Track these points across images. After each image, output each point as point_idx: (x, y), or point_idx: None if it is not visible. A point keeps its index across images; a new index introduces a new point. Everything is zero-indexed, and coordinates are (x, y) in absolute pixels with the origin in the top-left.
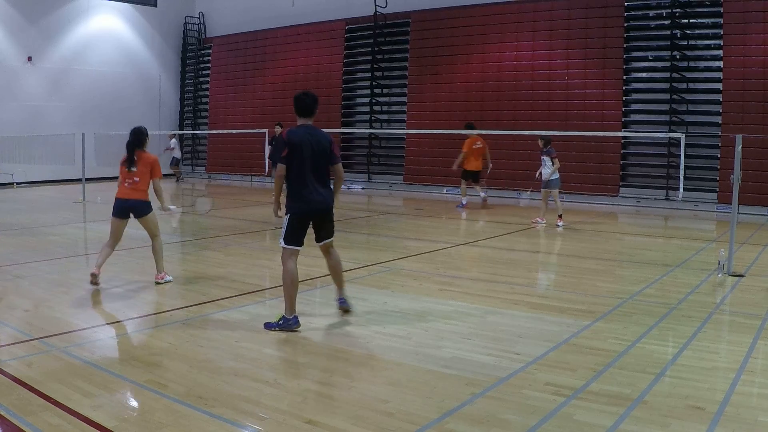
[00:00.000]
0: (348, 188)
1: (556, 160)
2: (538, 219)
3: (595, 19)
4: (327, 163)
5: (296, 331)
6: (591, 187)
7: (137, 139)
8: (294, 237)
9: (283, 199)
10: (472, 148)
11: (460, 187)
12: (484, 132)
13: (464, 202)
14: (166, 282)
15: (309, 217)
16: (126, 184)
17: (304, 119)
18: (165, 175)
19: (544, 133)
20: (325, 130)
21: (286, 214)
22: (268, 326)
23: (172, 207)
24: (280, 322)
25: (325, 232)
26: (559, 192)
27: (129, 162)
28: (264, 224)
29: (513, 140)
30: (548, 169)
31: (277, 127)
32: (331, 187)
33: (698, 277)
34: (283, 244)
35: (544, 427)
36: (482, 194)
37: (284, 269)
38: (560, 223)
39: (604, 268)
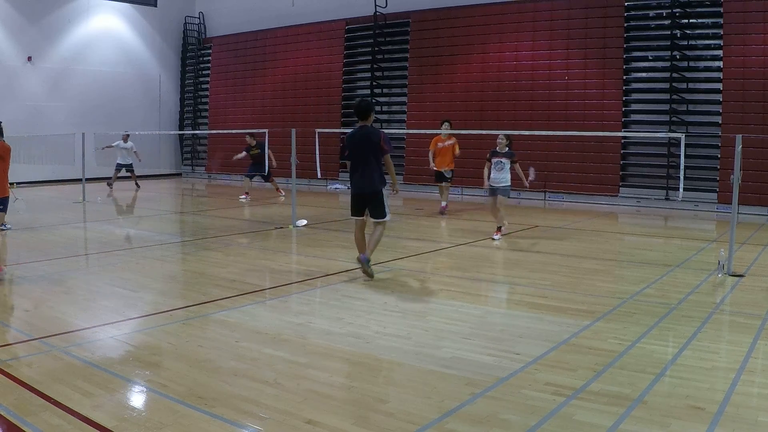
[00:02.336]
0: (348, 188)
1: (517, 164)
2: (496, 235)
3: (595, 19)
4: (375, 156)
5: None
6: (591, 187)
7: None
8: (352, 210)
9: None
10: (436, 147)
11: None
12: (484, 132)
13: (443, 205)
14: None
15: (358, 196)
16: None
17: (360, 121)
18: (107, 179)
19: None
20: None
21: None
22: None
23: None
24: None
25: (371, 211)
26: (559, 192)
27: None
28: (264, 224)
29: (512, 140)
30: (507, 174)
31: (249, 137)
32: (384, 175)
33: (698, 277)
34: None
35: (544, 427)
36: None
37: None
38: (497, 236)
39: (604, 268)
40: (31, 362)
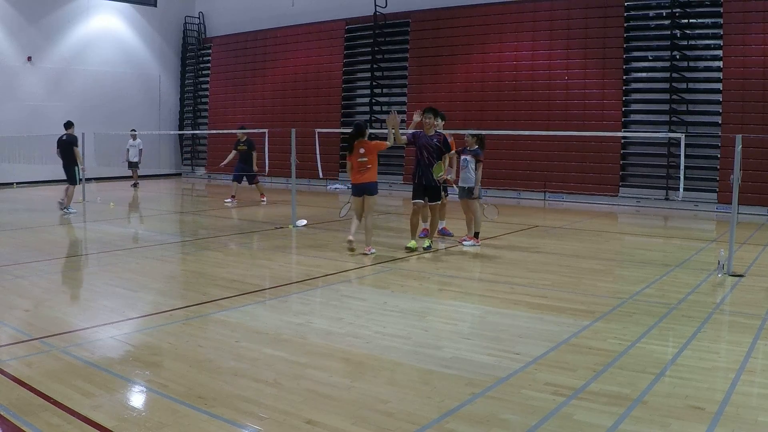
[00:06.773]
0: (348, 188)
1: (481, 165)
2: (465, 238)
3: (595, 19)
4: (434, 156)
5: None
6: (591, 187)
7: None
8: (415, 196)
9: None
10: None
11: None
12: (484, 132)
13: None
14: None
15: (420, 186)
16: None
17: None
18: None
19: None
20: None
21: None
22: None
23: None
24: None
25: (430, 196)
26: (559, 192)
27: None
28: (264, 224)
29: (513, 140)
30: (471, 174)
31: (239, 131)
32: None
33: (698, 277)
34: (412, 200)
35: (544, 427)
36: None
37: (411, 215)
38: (476, 243)
39: (604, 268)
40: (31, 362)
